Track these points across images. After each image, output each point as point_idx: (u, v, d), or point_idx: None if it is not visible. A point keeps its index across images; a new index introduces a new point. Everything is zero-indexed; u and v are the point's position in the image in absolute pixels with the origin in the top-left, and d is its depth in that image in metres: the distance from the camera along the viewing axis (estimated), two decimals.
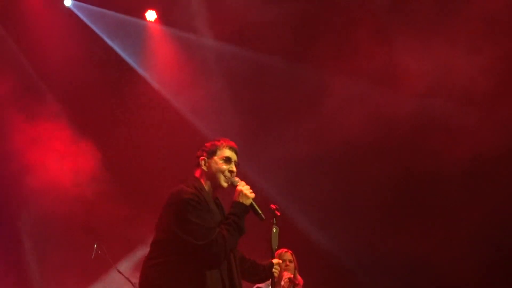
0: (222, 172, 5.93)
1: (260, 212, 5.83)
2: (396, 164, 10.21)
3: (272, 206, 6.22)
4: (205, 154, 6.01)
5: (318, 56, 10.41)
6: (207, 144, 6.07)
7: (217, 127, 10.19)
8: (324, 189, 10.32)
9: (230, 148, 6.02)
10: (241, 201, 5.80)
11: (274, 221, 6.16)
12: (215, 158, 5.95)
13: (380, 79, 10.10)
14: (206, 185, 5.92)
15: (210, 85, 10.33)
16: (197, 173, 6.00)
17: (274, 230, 6.14)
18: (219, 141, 6.04)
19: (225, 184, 5.95)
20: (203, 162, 5.98)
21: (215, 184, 5.95)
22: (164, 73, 10.44)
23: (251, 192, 5.86)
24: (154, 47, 10.70)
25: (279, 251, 8.25)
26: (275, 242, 6.02)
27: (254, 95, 10.44)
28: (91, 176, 10.00)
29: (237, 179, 5.94)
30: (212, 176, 5.94)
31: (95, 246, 9.18)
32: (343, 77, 10.19)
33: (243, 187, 5.85)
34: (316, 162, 10.33)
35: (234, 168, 5.98)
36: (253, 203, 5.84)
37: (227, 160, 5.96)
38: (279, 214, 6.19)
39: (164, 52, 10.57)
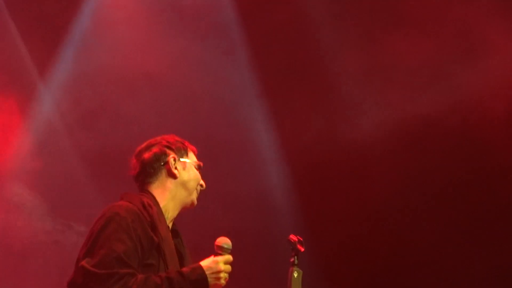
0: (198, 182, 4.30)
1: None
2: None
3: (293, 237, 4.26)
4: (171, 152, 4.29)
5: None
6: (170, 139, 4.35)
7: None
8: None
9: (194, 152, 4.41)
10: (207, 275, 4.02)
11: (296, 261, 4.23)
12: (188, 160, 4.31)
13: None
14: (165, 201, 4.21)
15: None
16: (153, 183, 4.26)
17: (296, 275, 4.21)
18: (183, 142, 4.38)
19: (196, 201, 4.31)
20: (173, 162, 4.25)
21: (183, 200, 4.26)
22: None
23: (226, 278, 4.09)
24: None
25: None
26: None
27: None
28: None
29: (227, 243, 4.13)
30: (182, 186, 4.25)
31: None
32: None
33: (224, 266, 4.08)
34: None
35: (203, 182, 4.35)
36: None
37: (198, 167, 4.35)
38: (302, 249, 4.24)
39: None
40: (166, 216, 4.20)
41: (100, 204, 5.96)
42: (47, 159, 7.56)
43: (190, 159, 4.31)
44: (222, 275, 4.02)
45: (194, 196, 4.27)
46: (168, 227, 4.21)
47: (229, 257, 4.08)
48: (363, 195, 8.13)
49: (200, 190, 4.31)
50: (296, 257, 4.21)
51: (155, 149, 4.25)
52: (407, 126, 8.01)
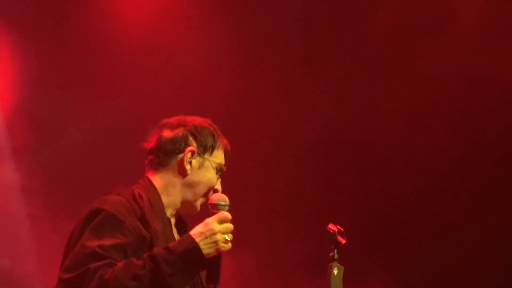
0: (211, 188, 3.63)
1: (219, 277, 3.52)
2: None
3: (332, 226, 3.64)
4: (194, 142, 3.64)
5: None
6: (200, 125, 3.68)
7: None
8: None
9: (226, 152, 3.71)
10: (198, 242, 3.34)
11: (335, 255, 3.62)
12: (210, 160, 3.64)
13: None
14: (165, 196, 3.61)
15: None
16: (154, 173, 3.64)
17: (336, 271, 3.60)
18: (215, 130, 3.68)
19: (198, 209, 3.65)
20: (189, 156, 3.60)
21: (186, 203, 3.63)
22: None
23: (227, 241, 3.40)
24: None
25: None
26: None
27: None
28: None
29: (223, 200, 3.53)
30: (189, 187, 3.61)
31: None
32: None
33: (220, 226, 3.40)
34: None
35: (219, 187, 3.66)
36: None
37: (221, 171, 3.69)
38: (344, 241, 3.61)
39: None
40: (166, 210, 3.61)
41: None
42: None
43: (213, 158, 3.64)
44: (218, 237, 3.36)
45: (198, 203, 3.63)
46: (168, 220, 3.62)
47: (223, 214, 3.42)
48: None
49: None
50: (336, 250, 3.62)
51: (177, 131, 3.62)
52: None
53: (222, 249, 3.38)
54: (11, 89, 6.91)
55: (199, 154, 3.60)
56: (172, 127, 3.63)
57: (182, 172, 3.59)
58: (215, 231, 3.36)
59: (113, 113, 7.15)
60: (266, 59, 7.47)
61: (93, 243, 3.28)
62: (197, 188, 3.59)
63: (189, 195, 3.60)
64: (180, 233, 3.64)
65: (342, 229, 3.63)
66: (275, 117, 7.47)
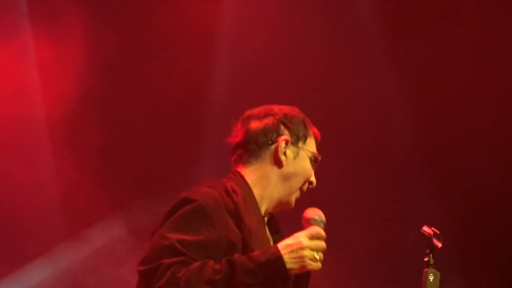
0: (307, 180, 3.37)
1: None
2: None
3: (427, 229, 3.36)
4: (286, 131, 3.35)
5: None
6: (290, 113, 3.39)
7: None
8: None
9: (316, 140, 3.43)
10: (284, 256, 3.03)
11: (431, 260, 3.33)
12: (304, 147, 3.37)
13: None
14: (259, 190, 3.31)
15: None
16: (245, 167, 3.35)
17: (431, 278, 3.32)
18: (305, 118, 3.42)
19: (293, 204, 3.37)
20: (283, 146, 3.33)
21: (280, 198, 3.34)
22: None
23: (316, 259, 3.06)
24: None
25: None
26: None
27: None
28: None
29: (317, 215, 3.20)
30: (284, 179, 3.33)
31: None
32: None
33: (310, 242, 3.08)
34: None
35: (314, 181, 3.39)
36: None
37: (314, 162, 3.40)
38: (440, 245, 3.33)
39: None
40: (260, 206, 3.33)
41: None
42: None
43: (307, 147, 3.37)
44: (306, 253, 3.04)
45: (293, 197, 3.35)
46: (263, 218, 3.34)
47: (316, 230, 3.10)
48: None
49: (309, 188, 3.40)
50: (431, 255, 3.33)
51: (267, 121, 3.34)
52: None
53: (309, 267, 3.07)
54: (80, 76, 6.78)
55: (292, 144, 3.33)
56: (260, 117, 3.36)
57: (278, 164, 3.32)
58: (303, 245, 3.06)
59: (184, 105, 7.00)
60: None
61: (174, 236, 3.03)
62: (293, 180, 3.32)
63: (285, 189, 3.33)
64: (272, 233, 3.39)
65: (437, 232, 3.35)
66: (362, 114, 7.25)
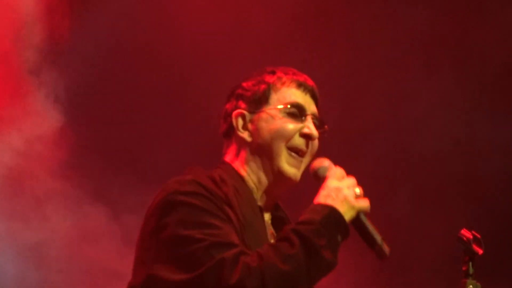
0: (287, 138, 2.99)
1: (379, 238, 2.93)
2: None
3: (466, 233, 2.97)
4: (242, 103, 3.06)
5: None
6: (246, 84, 3.08)
7: None
8: None
9: (300, 85, 3.03)
10: (331, 204, 2.82)
11: (470, 269, 2.94)
12: (268, 109, 3.01)
13: None
14: (250, 176, 3.02)
15: None
16: (229, 154, 3.09)
17: None
18: (273, 73, 3.04)
19: (292, 171, 3.00)
20: (240, 121, 3.04)
21: (268, 170, 3.01)
22: None
23: (358, 196, 2.88)
24: None
25: None
26: None
27: None
28: None
29: (325, 161, 2.98)
30: (259, 152, 3.01)
31: None
32: None
33: (342, 182, 2.89)
34: None
35: (312, 129, 3.00)
36: (363, 217, 2.91)
37: (296, 110, 3.02)
38: (481, 252, 2.94)
39: None
40: (258, 195, 3.02)
41: None
42: None
43: (276, 103, 3.01)
44: (346, 192, 2.85)
45: (283, 164, 2.98)
46: (260, 208, 3.01)
47: (335, 171, 2.92)
48: None
49: (309, 143, 3.02)
50: (471, 263, 2.95)
51: (228, 105, 3.10)
52: None
53: (357, 205, 2.87)
54: None
55: (252, 112, 3.02)
56: (227, 99, 3.14)
57: (244, 142, 3.03)
58: (339, 187, 2.86)
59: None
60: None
61: (201, 232, 2.74)
62: (268, 148, 2.98)
63: (266, 161, 2.99)
64: (276, 226, 3.09)
65: (478, 236, 2.96)
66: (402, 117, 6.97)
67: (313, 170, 2.98)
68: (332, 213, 2.80)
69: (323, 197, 2.83)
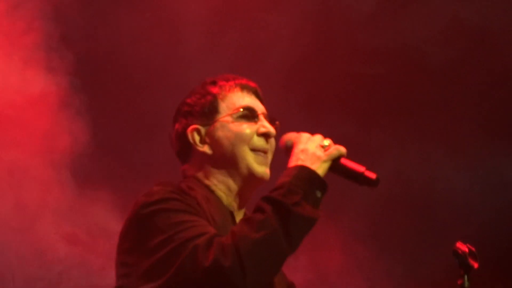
0: (247, 140, 3.06)
1: (362, 168, 2.98)
2: None
3: (461, 246, 2.94)
4: (193, 119, 3.12)
5: None
6: (190, 100, 3.15)
7: None
8: None
9: (243, 88, 3.14)
10: (300, 164, 2.90)
11: (466, 283, 2.92)
12: (220, 119, 3.10)
13: None
14: (217, 186, 3.07)
15: None
16: (190, 170, 3.14)
17: None
18: (215, 83, 3.14)
19: (262, 169, 3.06)
20: (196, 136, 3.11)
21: (238, 177, 3.06)
22: None
23: (327, 147, 2.97)
24: None
25: None
26: None
27: None
28: None
29: (289, 134, 3.07)
30: (222, 161, 3.07)
31: None
32: None
33: (307, 143, 2.96)
34: None
35: (268, 127, 3.10)
36: (341, 162, 2.98)
37: (247, 112, 3.11)
38: (476, 265, 2.93)
39: None
40: (227, 203, 3.07)
41: None
42: None
43: (225, 111, 3.09)
44: (312, 148, 2.94)
45: (253, 163, 3.03)
46: (230, 212, 3.07)
47: (301, 136, 3.00)
48: None
49: (268, 141, 3.09)
50: (466, 276, 2.93)
51: (177, 124, 3.16)
52: None
53: (329, 156, 2.93)
54: None
55: (205, 125, 3.08)
56: (174, 119, 3.19)
57: (205, 155, 3.08)
58: (305, 148, 2.93)
59: None
60: None
61: (173, 231, 2.78)
62: (230, 154, 3.05)
63: (230, 168, 3.05)
64: None
65: (473, 249, 2.94)
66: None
67: (283, 147, 3.05)
68: (301, 171, 2.85)
69: (293, 162, 2.90)
